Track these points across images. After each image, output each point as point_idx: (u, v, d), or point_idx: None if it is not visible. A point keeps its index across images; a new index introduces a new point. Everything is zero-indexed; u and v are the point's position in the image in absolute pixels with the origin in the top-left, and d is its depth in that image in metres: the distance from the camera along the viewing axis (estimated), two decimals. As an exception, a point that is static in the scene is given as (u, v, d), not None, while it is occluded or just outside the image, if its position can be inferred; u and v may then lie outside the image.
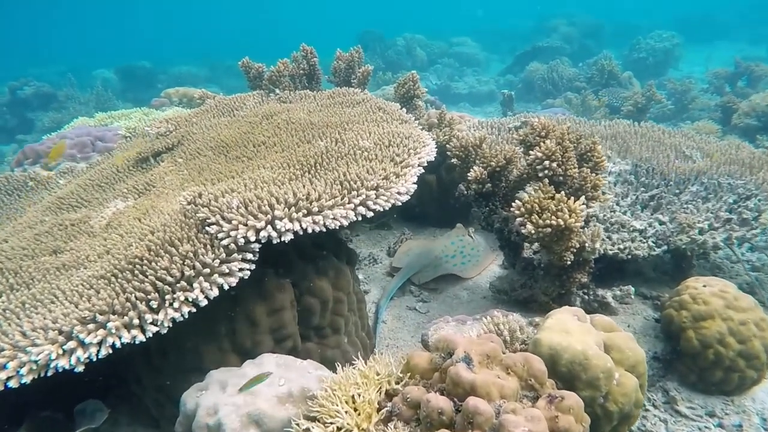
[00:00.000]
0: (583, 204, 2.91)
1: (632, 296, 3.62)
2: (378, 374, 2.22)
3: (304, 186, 2.81)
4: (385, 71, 14.49)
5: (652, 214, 4.15)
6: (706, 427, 3.13)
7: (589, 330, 2.55)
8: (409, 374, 2.20)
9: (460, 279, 4.57)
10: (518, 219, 3.06)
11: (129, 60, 19.19)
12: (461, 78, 16.29)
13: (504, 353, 2.19)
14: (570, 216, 2.85)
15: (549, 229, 2.90)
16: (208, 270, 2.43)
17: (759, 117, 7.34)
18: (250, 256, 2.54)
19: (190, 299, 2.36)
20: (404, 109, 4.26)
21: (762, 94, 7.62)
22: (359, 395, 2.09)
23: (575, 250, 3.15)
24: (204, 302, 2.40)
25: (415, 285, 4.55)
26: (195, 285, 2.38)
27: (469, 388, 1.93)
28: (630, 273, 4.30)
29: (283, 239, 2.55)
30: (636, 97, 8.85)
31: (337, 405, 2.06)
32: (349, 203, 2.73)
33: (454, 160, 3.94)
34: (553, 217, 2.89)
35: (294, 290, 2.93)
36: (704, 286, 3.42)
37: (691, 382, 3.32)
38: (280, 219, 2.54)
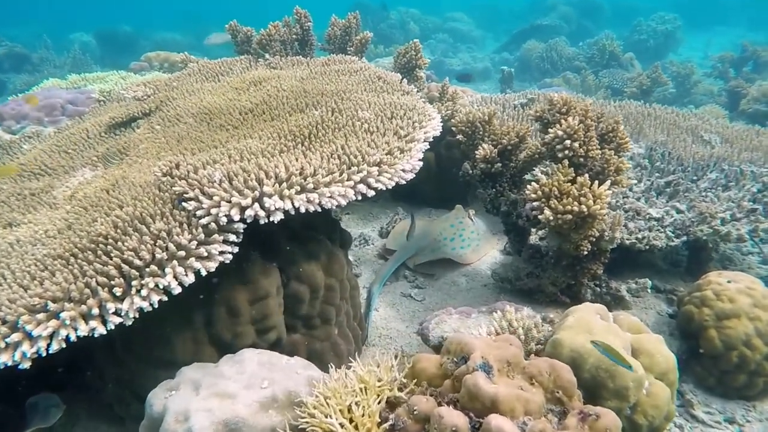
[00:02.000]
0: (608, 189, 2.60)
1: (649, 290, 3.35)
2: (379, 380, 1.91)
3: (297, 159, 2.46)
4: (377, 44, 13.98)
5: (668, 202, 3.87)
6: (725, 435, 2.90)
7: (615, 331, 2.27)
8: (414, 380, 1.90)
9: (458, 264, 4.27)
10: (534, 203, 2.75)
11: (109, 24, 18.34)
12: (455, 54, 15.83)
13: (526, 359, 1.90)
14: (594, 202, 2.55)
15: (569, 216, 2.60)
16: (183, 253, 2.09)
17: (768, 103, 7.10)
18: (232, 237, 2.20)
19: (161, 286, 2.02)
20: (405, 80, 3.89)
21: (773, 79, 7.38)
22: (357, 405, 1.78)
23: (594, 239, 2.85)
24: (177, 290, 2.06)
25: (409, 269, 4.24)
26: (167, 270, 2.04)
27: (490, 403, 1.63)
28: (641, 264, 4.03)
29: (272, 219, 2.21)
30: (641, 78, 8.54)
31: (331, 416, 1.75)
32: (348, 180, 2.39)
33: (459, 137, 3.60)
34: (575, 203, 2.58)
35: (281, 275, 2.60)
36: (729, 281, 3.16)
37: (709, 385, 3.08)
38: (270, 196, 2.20)
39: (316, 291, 2.67)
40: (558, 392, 1.78)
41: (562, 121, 2.83)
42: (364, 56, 4.68)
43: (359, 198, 2.43)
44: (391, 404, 1.90)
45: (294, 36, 4.62)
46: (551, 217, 2.64)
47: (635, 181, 3.19)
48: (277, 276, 2.57)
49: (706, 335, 3.04)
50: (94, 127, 3.80)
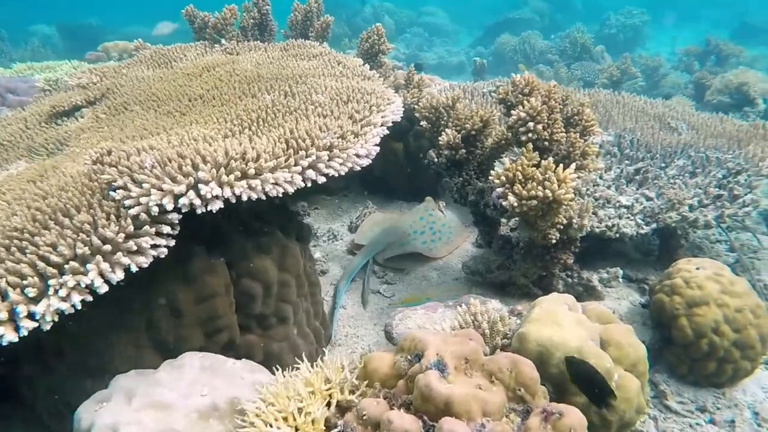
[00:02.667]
0: (573, 173, 2.46)
1: (620, 279, 3.24)
2: (328, 382, 1.74)
3: (240, 144, 2.27)
4: (352, 38, 13.77)
5: (637, 189, 3.78)
6: (697, 424, 2.80)
7: (583, 322, 2.13)
8: (366, 382, 1.73)
9: (429, 258, 4.12)
10: (497, 190, 2.61)
11: (74, 16, 17.74)
12: (430, 48, 15.72)
13: (486, 355, 1.74)
14: (559, 186, 2.41)
15: (534, 202, 2.45)
16: (109, 247, 1.88)
17: (732, 95, 7.11)
18: (167, 229, 2.00)
19: (84, 284, 1.81)
20: (367, 65, 3.72)
21: (735, 71, 7.39)
22: (301, 411, 1.61)
23: (562, 227, 2.72)
24: (104, 288, 1.85)
25: (379, 264, 4.07)
26: (90, 266, 1.83)
27: (444, 405, 1.47)
28: (612, 253, 3.94)
29: (210, 208, 2.02)
30: (611, 69, 8.52)
31: (272, 425, 1.57)
32: (295, 165, 2.21)
33: (423, 123, 3.45)
34: (539, 187, 2.44)
35: (230, 272, 2.41)
36: (697, 268, 3.06)
37: (681, 374, 2.98)
38: (206, 183, 2.00)
39: (269, 288, 2.49)
40: (520, 390, 1.63)
41: (525, 102, 2.69)
42: (327, 42, 4.49)
43: (308, 185, 2.25)
44: (343, 408, 1.73)
45: (252, 20, 4.41)
46: (515, 204, 2.50)
47: (602, 166, 3.07)
48: (225, 272, 2.37)
49: (677, 324, 2.94)
50: (34, 117, 3.54)
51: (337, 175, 2.33)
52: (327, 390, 1.69)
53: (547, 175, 2.46)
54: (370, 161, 2.55)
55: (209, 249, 2.36)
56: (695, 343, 2.87)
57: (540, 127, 2.66)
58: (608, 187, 3.72)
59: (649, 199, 3.60)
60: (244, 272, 2.42)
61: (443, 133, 3.16)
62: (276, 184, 2.14)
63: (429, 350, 1.64)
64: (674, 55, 12.84)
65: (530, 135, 2.67)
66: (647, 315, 3.38)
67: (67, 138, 3.20)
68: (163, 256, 2.00)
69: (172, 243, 2.03)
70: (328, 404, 1.68)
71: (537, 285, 3.38)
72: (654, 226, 3.38)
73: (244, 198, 2.06)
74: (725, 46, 10.34)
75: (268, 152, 2.21)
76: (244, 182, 2.06)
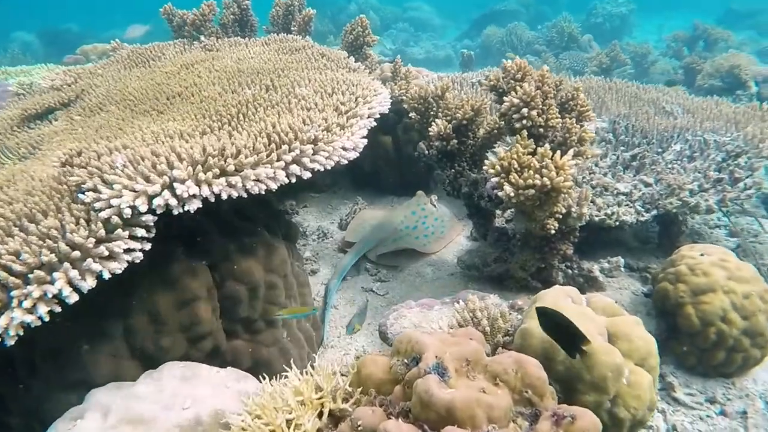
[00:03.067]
0: (571, 159, 2.35)
1: (622, 268, 3.13)
2: (319, 390, 1.61)
3: (219, 140, 2.13)
4: (336, 35, 13.61)
5: (635, 176, 3.67)
6: (707, 416, 2.70)
7: (589, 315, 2.01)
8: (360, 388, 1.61)
9: (422, 254, 3.99)
10: (492, 180, 2.48)
11: (54, 22, 17.43)
12: (417, 43, 15.57)
13: (488, 355, 1.62)
14: (557, 174, 2.29)
15: (532, 191, 2.34)
16: (78, 253, 1.74)
17: (723, 78, 7.03)
18: (141, 232, 1.86)
19: (51, 294, 1.67)
20: (352, 58, 3.59)
21: (726, 54, 7.32)
22: (290, 424, 1.48)
23: (561, 217, 2.60)
24: (73, 298, 1.72)
25: (371, 262, 3.94)
26: (57, 275, 1.69)
27: (445, 412, 1.35)
28: (611, 243, 3.83)
29: (187, 209, 1.88)
30: (600, 57, 8.43)
31: (259, 440, 1.44)
32: (278, 161, 2.08)
33: (411, 114, 3.32)
34: (537, 175, 2.32)
35: (213, 275, 2.28)
36: (702, 254, 2.96)
37: (689, 365, 2.88)
38: (182, 181, 1.87)
39: (256, 290, 2.35)
40: (527, 392, 1.51)
41: (518, 88, 2.57)
42: (310, 37, 4.35)
43: (293, 181, 2.12)
44: (336, 418, 1.60)
45: (232, 16, 4.26)
46: (512, 194, 2.38)
47: (599, 152, 2.96)
48: (207, 275, 2.24)
49: (683, 312, 2.84)
50: (5, 121, 3.38)
51: (322, 169, 2.20)
52: (318, 399, 1.57)
53: (544, 163, 2.34)
54: (358, 154, 2.43)
55: (189, 251, 2.23)
56: (702, 332, 2.77)
57: (534, 113, 2.55)
58: (604, 175, 3.61)
59: (647, 185, 3.49)
60: (227, 274, 2.29)
61: (433, 123, 3.04)
62: (258, 180, 2.00)
63: (427, 352, 1.51)
64: (661, 43, 12.78)
65: (524, 122, 2.55)
66: (650, 305, 3.28)
67: (40, 141, 3.05)
68: (138, 261, 1.86)
69: (148, 247, 1.89)
70: (320, 414, 1.55)
71: (536, 277, 3.26)
72: (654, 212, 3.27)
73: (224, 196, 1.93)
74: (713, 31, 10.28)
75: (248, 148, 2.08)
76: (223, 180, 1.92)
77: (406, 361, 1.57)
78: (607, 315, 2.09)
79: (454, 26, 19.35)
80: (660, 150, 3.86)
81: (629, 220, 3.21)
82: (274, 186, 2.04)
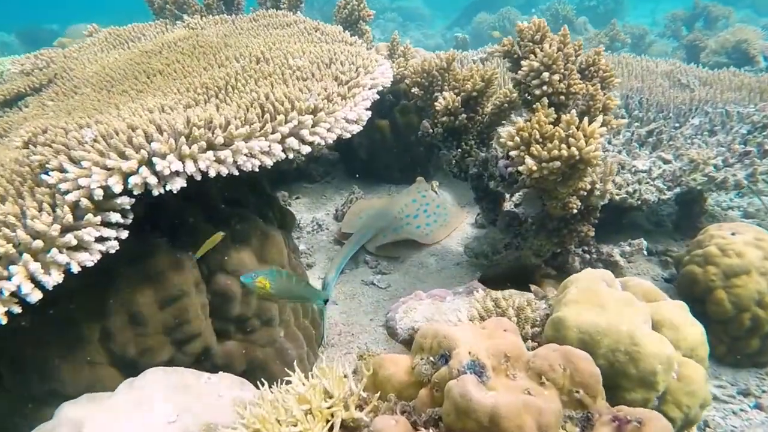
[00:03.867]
0: (602, 126, 2.11)
1: (644, 252, 2.91)
2: (329, 396, 1.36)
3: (205, 111, 1.87)
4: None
5: (651, 153, 3.45)
6: (741, 410, 2.49)
7: (630, 301, 1.78)
8: (378, 393, 1.36)
9: (425, 244, 3.75)
10: (512, 153, 2.24)
11: (35, 23, 16.92)
12: (406, 33, 15.26)
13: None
14: (586, 143, 2.05)
15: (557, 164, 2.09)
16: (40, 243, 1.47)
17: (729, 54, 6.83)
18: (116, 217, 1.60)
19: (8, 292, 1.41)
20: (348, 33, 3.32)
21: (731, 29, 7.12)
22: (297, 439, 1.23)
23: (585, 194, 2.37)
24: (36, 296, 1.45)
25: (370, 253, 3.69)
26: (16, 269, 1.42)
27: (488, 420, 1.11)
28: (625, 225, 3.61)
29: (170, 188, 1.62)
30: (599, 37, 8.21)
31: (260, 460, 1.19)
32: (273, 133, 1.82)
33: (414, 90, 3.07)
34: (563, 145, 2.08)
35: (201, 267, 2.02)
36: (733, 233, 2.74)
37: (718, 355, 2.67)
38: (163, 156, 1.60)
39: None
40: (578, 392, 1.27)
41: (537, 50, 2.32)
42: (300, 12, 4.07)
43: (291, 156, 1.86)
44: (350, 429, 1.36)
45: (217, -7, 3.97)
46: (535, 168, 2.13)
47: (625, 121, 2.72)
48: (193, 268, 1.98)
49: (713, 297, 2.63)
50: (-33, 107, 3.08)
51: (323, 143, 1.94)
52: (328, 408, 1.31)
53: (570, 131, 2.09)
54: (361, 127, 2.17)
55: (174, 240, 1.96)
56: (736, 318, 2.57)
57: (556, 77, 2.30)
58: (619, 152, 3.39)
59: (667, 161, 3.27)
60: (217, 267, 2.03)
61: (440, 97, 2.79)
62: (250, 155, 1.74)
63: (459, 348, 1.27)
64: (655, 26, 12.60)
65: (545, 88, 2.31)
66: (673, 291, 3.06)
67: (8, 129, 2.78)
68: (113, 251, 1.60)
69: (125, 235, 1.63)
70: (331, 427, 1.30)
71: (550, 264, 3.03)
72: (677, 190, 3.05)
73: (212, 173, 1.66)
74: (714, 8, 9.97)
75: (239, 119, 1.81)
76: (210, 154, 1.66)
77: (432, 359, 1.33)
78: (647, 300, 1.86)
79: (442, 16, 19.07)
80: (677, 125, 3.64)
81: (651, 198, 2.98)
82: (269, 162, 1.79)
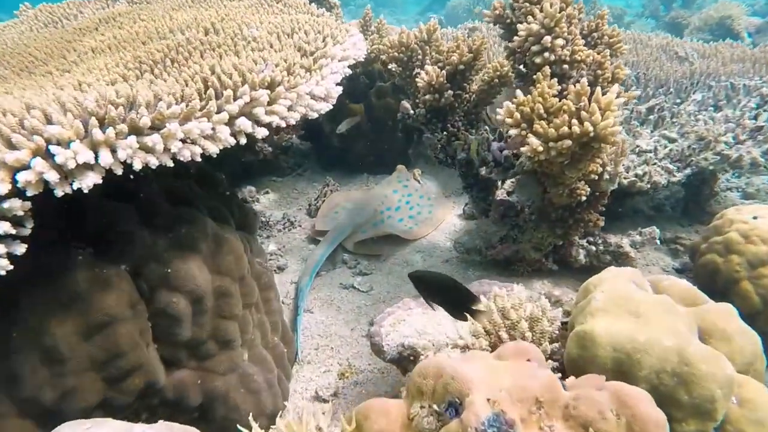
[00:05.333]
0: (619, 96, 1.77)
1: (658, 241, 2.60)
2: (296, 464, 0.98)
3: (132, 88, 1.46)
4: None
5: (653, 131, 3.14)
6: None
7: (671, 307, 1.45)
8: (364, 456, 0.99)
9: (408, 239, 3.39)
10: (511, 132, 1.88)
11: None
12: (377, 18, 14.86)
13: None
14: (603, 116, 1.71)
15: (568, 143, 1.75)
16: None
17: (713, 31, 6.61)
18: (4, 227, 1.19)
19: None
20: (314, 5, 2.92)
21: (715, 5, 6.90)
22: None
23: (596, 178, 2.03)
24: None
25: (348, 252, 3.32)
26: None
27: None
28: (624, 211, 3.30)
29: (78, 186, 1.22)
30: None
31: None
32: (218, 112, 1.43)
33: (391, 66, 2.69)
34: (574, 121, 1.73)
35: (138, 283, 1.62)
36: (755, 217, 2.45)
37: (743, 352, 2.36)
38: (65, 143, 1.20)
39: (200, 300, 1.70)
40: (638, 446, 0.92)
41: (535, 11, 1.96)
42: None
43: (243, 141, 1.47)
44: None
45: (164, -34, 3.51)
46: (540, 148, 1.78)
47: (638, 93, 2.39)
48: (128, 285, 1.58)
49: (738, 290, 2.34)
50: None
51: (283, 124, 1.56)
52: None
53: (581, 104, 1.75)
54: (331, 106, 1.79)
55: (99, 251, 1.56)
56: (764, 312, 2.27)
57: (559, 42, 1.95)
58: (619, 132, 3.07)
59: (672, 140, 2.96)
60: (158, 281, 1.63)
61: (422, 72, 2.42)
62: (189, 140, 1.35)
63: (473, 394, 0.91)
64: (630, 8, 12.42)
65: (546, 55, 1.96)
66: (692, 282, 2.78)
67: None
68: (4, 273, 1.20)
69: (21, 250, 1.23)
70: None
71: (551, 258, 2.71)
72: (688, 171, 2.74)
73: (137, 165, 1.27)
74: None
75: (174, 95, 1.42)
76: (133, 140, 1.26)
77: (437, 408, 0.97)
78: (686, 304, 1.53)
79: (415, 1, 18.67)
80: (678, 101, 3.35)
81: (661, 181, 2.67)
82: (214, 148, 1.40)
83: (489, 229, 2.79)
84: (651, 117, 3.17)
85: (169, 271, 1.64)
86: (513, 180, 2.72)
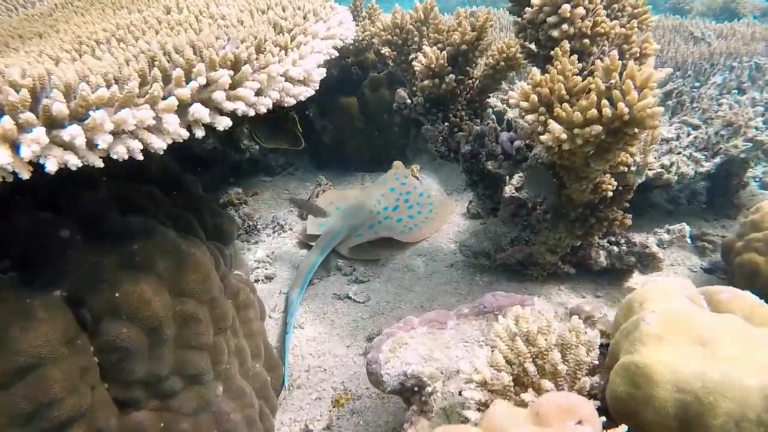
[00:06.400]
0: (658, 70, 1.47)
1: (688, 239, 2.31)
2: None
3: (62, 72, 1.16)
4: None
5: (671, 118, 2.85)
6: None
7: (746, 331, 1.15)
8: None
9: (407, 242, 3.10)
10: (527, 118, 1.58)
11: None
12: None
13: None
14: (640, 96, 1.41)
15: (597, 128, 1.45)
16: None
17: (717, 15, 6.34)
18: None
19: None
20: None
21: (719, -11, 6.63)
22: None
23: (626, 170, 1.74)
24: None
25: (343, 258, 3.02)
26: None
27: None
28: (643, 205, 3.01)
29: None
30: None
31: None
32: (166, 97, 1.12)
33: (385, 50, 2.39)
34: (605, 101, 1.44)
35: (79, 312, 1.32)
36: (798, 210, 2.17)
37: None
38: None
39: (158, 330, 1.40)
40: None
41: (553, -23, 1.67)
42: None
43: (199, 134, 1.17)
44: None
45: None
46: (564, 136, 1.48)
47: (670, 70, 2.09)
48: (62, 315, 1.28)
49: (784, 293, 2.04)
50: None
51: (251, 113, 1.26)
52: None
53: (612, 82, 1.45)
54: (312, 91, 1.49)
55: (25, 274, 1.26)
56: (815, 317, 1.98)
57: (580, 11, 1.66)
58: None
59: (695, 127, 2.68)
60: (104, 309, 1.33)
61: (420, 54, 2.12)
62: (124, 133, 1.05)
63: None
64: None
65: (565, 27, 1.66)
66: (719, 284, 2.48)
67: None
68: None
69: None
70: None
71: (568, 261, 2.42)
72: (717, 160, 2.45)
73: (50, 168, 0.97)
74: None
75: (105, 76, 1.11)
76: (40, 134, 0.96)
77: None
78: (757, 323, 1.24)
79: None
80: (697, 84, 3.06)
81: (689, 171, 2.39)
82: (160, 144, 1.10)
83: (498, 230, 2.50)
84: (669, 102, 2.88)
85: (117, 295, 1.34)
86: (521, 174, 2.43)
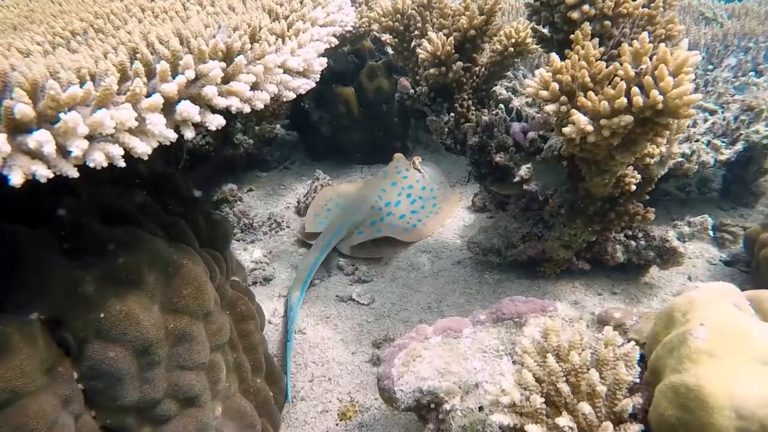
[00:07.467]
0: (693, 53, 1.34)
1: (710, 232, 2.19)
2: None
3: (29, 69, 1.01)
4: None
5: (686, 104, 2.72)
6: None
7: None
8: None
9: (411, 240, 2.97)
10: (547, 108, 1.45)
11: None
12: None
13: None
14: (675, 83, 1.28)
15: (627, 119, 1.32)
16: None
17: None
18: None
19: None
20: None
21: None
22: None
23: (652, 162, 1.62)
24: None
25: (344, 256, 2.90)
26: None
27: None
28: (656, 195, 2.89)
29: None
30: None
31: None
32: (150, 94, 0.99)
33: (386, 37, 2.25)
34: (635, 89, 1.30)
35: (60, 335, 1.19)
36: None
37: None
38: None
39: (148, 351, 1.27)
40: None
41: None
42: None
43: (188, 135, 1.04)
44: None
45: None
46: (589, 128, 1.35)
47: (701, 54, 1.97)
48: (40, 341, 1.15)
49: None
50: None
51: (247, 109, 1.12)
52: None
53: (642, 68, 1.32)
54: (313, 84, 1.36)
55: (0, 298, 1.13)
56: None
57: (603, -11, 1.52)
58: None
59: (712, 112, 2.55)
60: (88, 331, 1.20)
61: (425, 41, 1.98)
62: (100, 135, 0.91)
63: None
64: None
65: (586, 8, 1.52)
66: (739, 277, 2.38)
67: None
68: None
69: None
70: None
71: (583, 257, 2.30)
72: (738, 147, 2.33)
73: (15, 180, 0.83)
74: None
75: (78, 70, 0.97)
76: (0, 140, 0.82)
77: None
78: (812, 332, 1.12)
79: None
80: (711, 66, 2.93)
81: (709, 160, 2.26)
82: (144, 148, 0.96)
83: (508, 225, 2.38)
84: (684, 86, 2.75)
85: (102, 315, 1.21)
86: (529, 165, 2.30)
